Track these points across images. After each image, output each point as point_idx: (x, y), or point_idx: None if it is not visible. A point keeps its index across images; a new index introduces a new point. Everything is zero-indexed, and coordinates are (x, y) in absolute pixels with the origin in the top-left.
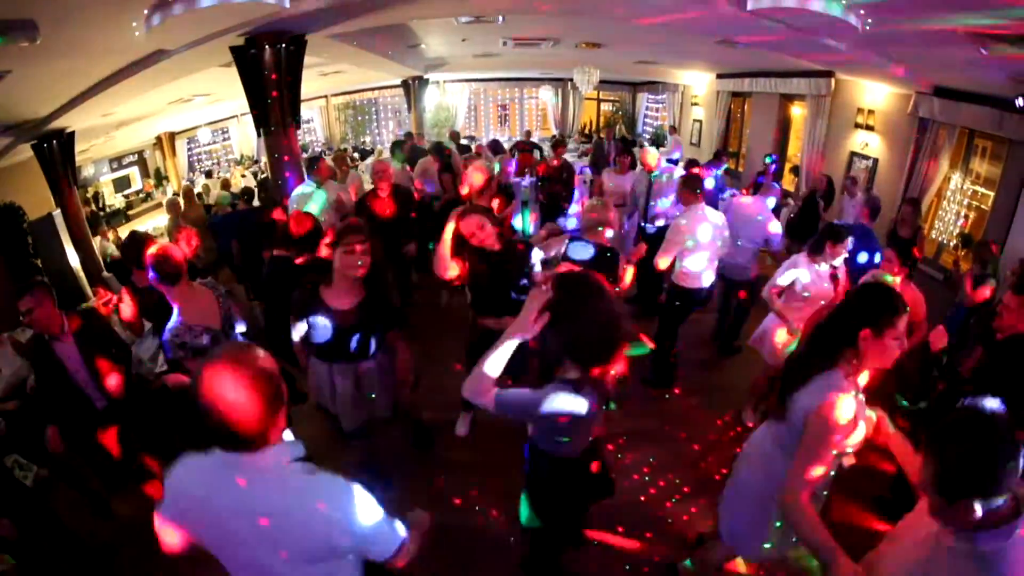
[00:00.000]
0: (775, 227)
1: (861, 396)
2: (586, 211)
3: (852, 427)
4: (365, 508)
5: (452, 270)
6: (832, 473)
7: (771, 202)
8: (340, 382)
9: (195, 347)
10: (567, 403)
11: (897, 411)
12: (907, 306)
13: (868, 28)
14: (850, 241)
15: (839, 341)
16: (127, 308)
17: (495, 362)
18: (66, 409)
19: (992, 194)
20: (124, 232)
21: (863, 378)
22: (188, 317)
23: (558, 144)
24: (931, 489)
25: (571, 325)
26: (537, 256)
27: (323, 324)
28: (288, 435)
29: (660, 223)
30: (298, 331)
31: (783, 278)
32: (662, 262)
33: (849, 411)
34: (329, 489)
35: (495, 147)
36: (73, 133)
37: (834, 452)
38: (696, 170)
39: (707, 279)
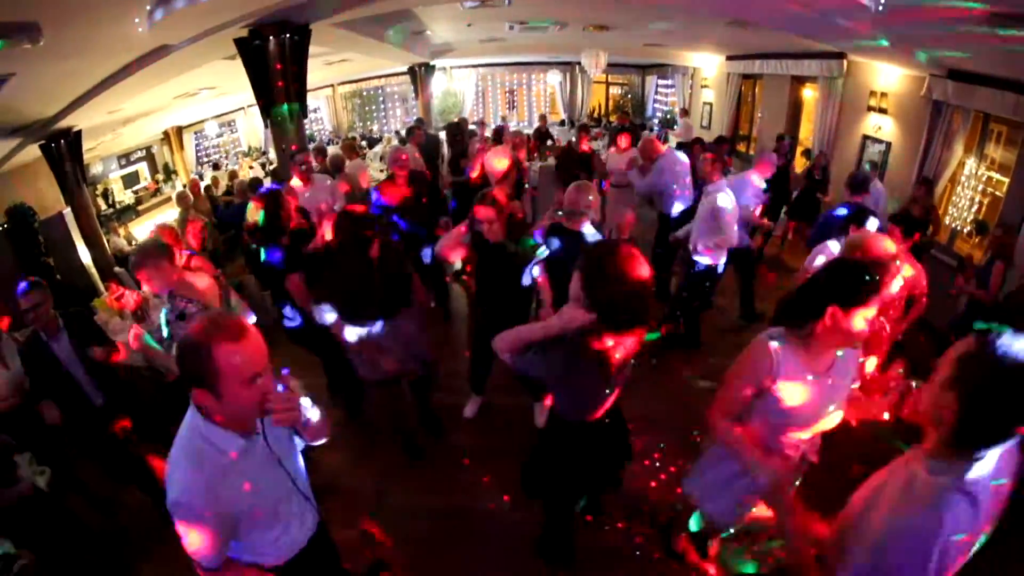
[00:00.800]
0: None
1: (829, 381)
2: (570, 195)
3: (765, 379)
4: None
5: (456, 253)
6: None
7: (758, 178)
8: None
9: (186, 314)
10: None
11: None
12: (880, 287)
13: (882, 9)
14: (874, 222)
15: (806, 313)
16: (131, 299)
17: (533, 332)
18: (64, 407)
19: (1007, 180)
20: (134, 228)
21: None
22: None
23: (584, 129)
24: (944, 427)
25: (599, 289)
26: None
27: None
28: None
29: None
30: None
31: (816, 262)
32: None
33: (764, 363)
34: None
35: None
36: (80, 132)
37: (744, 391)
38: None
39: (723, 254)
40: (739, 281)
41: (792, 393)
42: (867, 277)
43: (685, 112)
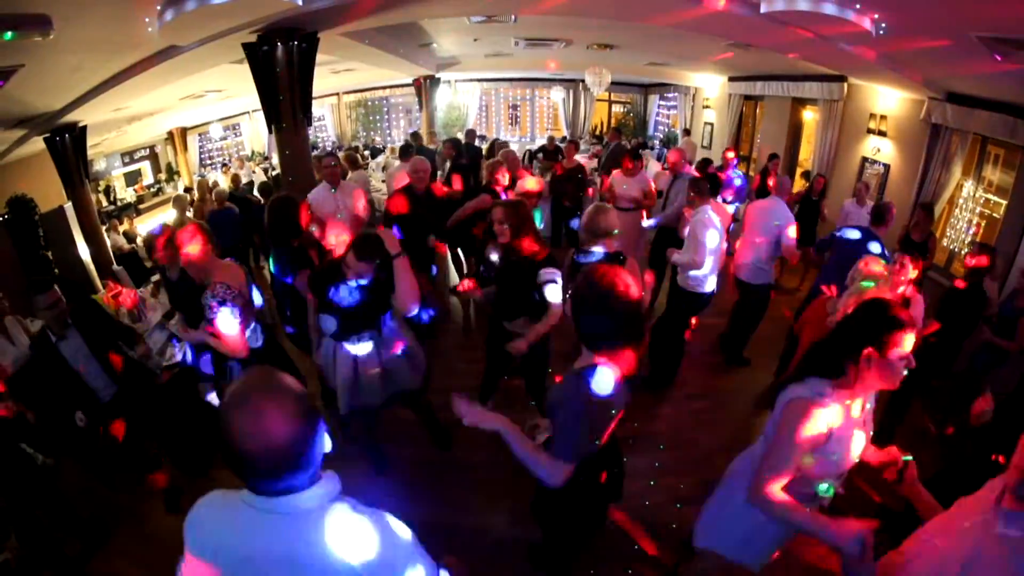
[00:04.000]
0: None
1: (856, 414)
2: (588, 218)
3: (823, 439)
4: (404, 549)
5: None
6: (822, 491)
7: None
8: (362, 360)
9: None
10: (604, 378)
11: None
12: (912, 322)
13: (882, 33)
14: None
15: (842, 356)
16: (128, 298)
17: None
18: (71, 404)
19: (1004, 202)
20: (137, 224)
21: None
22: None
23: (571, 144)
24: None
25: (592, 312)
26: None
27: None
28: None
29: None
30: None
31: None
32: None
33: (821, 424)
34: (373, 532)
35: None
36: (85, 127)
37: (802, 458)
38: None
39: (711, 284)
40: (745, 319)
41: (840, 445)
42: (896, 314)
43: (687, 132)
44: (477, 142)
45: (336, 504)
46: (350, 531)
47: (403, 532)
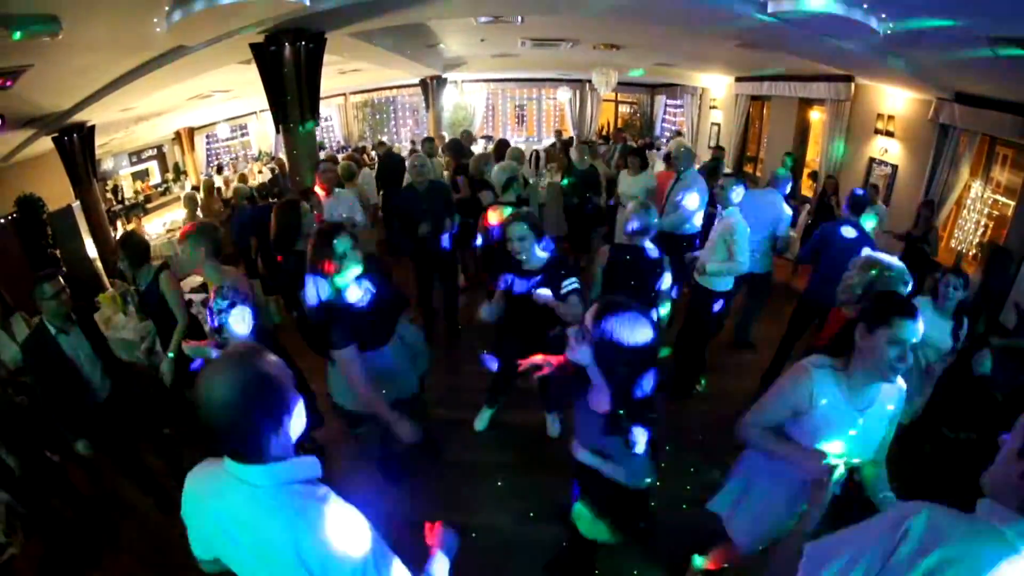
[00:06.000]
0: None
1: (856, 408)
2: (627, 215)
3: (804, 403)
4: (361, 549)
5: None
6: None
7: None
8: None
9: (239, 301)
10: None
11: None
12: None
13: (889, 32)
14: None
15: (850, 336)
16: None
17: None
18: (65, 400)
19: (1013, 203)
20: (144, 224)
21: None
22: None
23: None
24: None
25: (609, 359)
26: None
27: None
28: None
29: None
30: None
31: None
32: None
33: (806, 386)
34: (324, 522)
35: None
36: (93, 127)
37: (783, 409)
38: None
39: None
40: (746, 306)
41: (827, 421)
42: (897, 303)
43: (679, 133)
44: (482, 142)
45: (298, 487)
46: (299, 514)
47: (363, 535)
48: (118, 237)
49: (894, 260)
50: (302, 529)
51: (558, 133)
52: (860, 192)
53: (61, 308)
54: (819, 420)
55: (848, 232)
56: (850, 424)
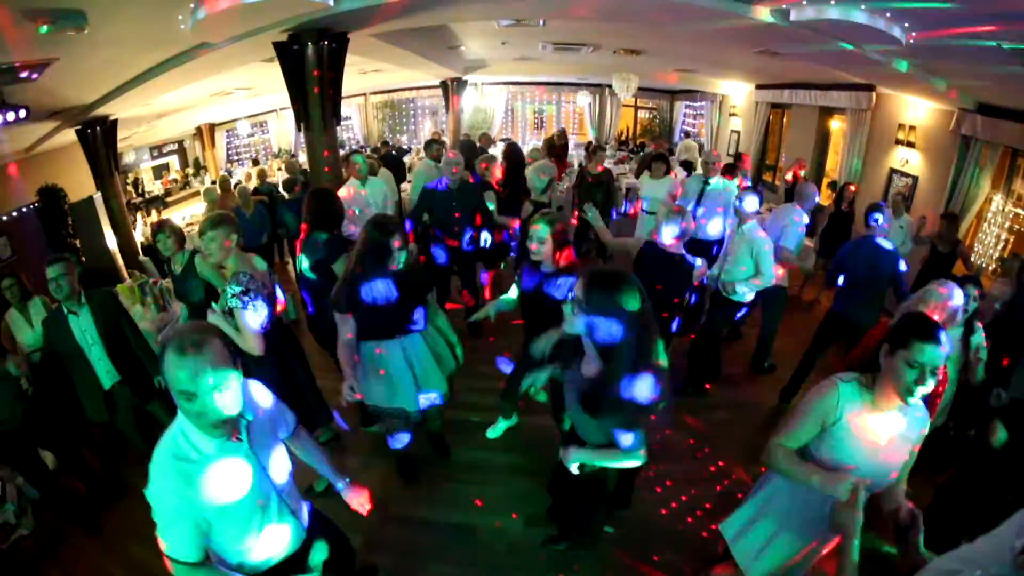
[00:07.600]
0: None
1: (884, 426)
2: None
3: (830, 416)
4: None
5: None
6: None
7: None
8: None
9: (257, 289)
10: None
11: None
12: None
13: (913, 41)
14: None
15: (877, 356)
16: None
17: None
18: (71, 385)
19: None
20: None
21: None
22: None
23: (597, 150)
24: None
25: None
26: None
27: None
28: None
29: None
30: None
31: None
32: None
33: (833, 399)
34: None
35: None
36: (116, 121)
37: (810, 424)
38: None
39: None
40: (762, 328)
41: (852, 437)
42: (922, 325)
43: (687, 135)
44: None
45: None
46: None
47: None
48: (155, 221)
49: None
50: None
51: (562, 132)
52: (881, 204)
53: (60, 290)
54: (844, 432)
55: (871, 247)
56: (874, 442)
